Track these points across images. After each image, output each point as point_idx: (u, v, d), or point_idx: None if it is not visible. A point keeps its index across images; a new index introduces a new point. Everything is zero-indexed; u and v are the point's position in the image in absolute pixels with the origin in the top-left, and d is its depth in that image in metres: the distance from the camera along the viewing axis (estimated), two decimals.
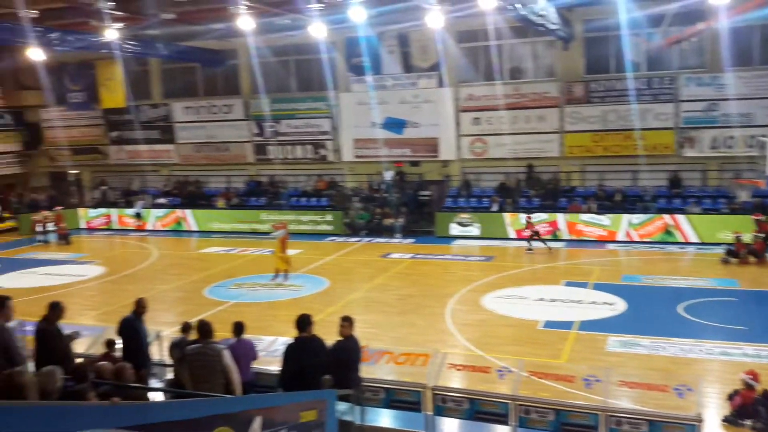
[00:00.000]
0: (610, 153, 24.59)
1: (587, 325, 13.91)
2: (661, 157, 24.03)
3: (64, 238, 26.48)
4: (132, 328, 8.82)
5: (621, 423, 7.39)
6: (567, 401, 8.26)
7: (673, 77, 23.52)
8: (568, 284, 17.47)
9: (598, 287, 16.91)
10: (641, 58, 23.92)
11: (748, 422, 8.91)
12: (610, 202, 23.93)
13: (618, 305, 15.32)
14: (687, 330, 13.39)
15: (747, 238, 19.67)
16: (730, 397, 9.26)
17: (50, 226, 27.02)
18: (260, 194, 29.00)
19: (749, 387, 9.13)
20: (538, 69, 25.72)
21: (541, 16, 19.23)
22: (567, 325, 13.97)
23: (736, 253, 19.39)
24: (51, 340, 7.93)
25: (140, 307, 8.99)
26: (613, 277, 18.03)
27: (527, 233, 22.24)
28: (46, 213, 27.33)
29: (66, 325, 8.40)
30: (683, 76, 23.41)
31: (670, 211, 22.80)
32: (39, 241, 26.59)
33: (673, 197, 23.61)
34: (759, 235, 19.81)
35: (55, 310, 8.13)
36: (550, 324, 14.14)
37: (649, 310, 14.94)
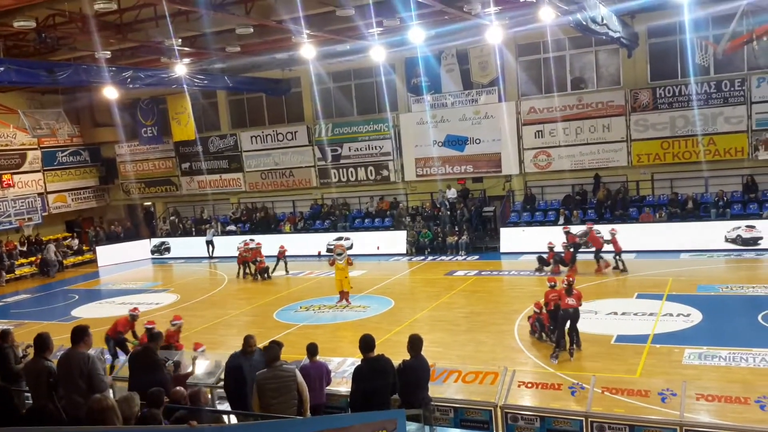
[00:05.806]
0: (680, 160, 23.90)
1: (662, 338, 13.51)
2: (734, 162, 23.22)
3: (265, 272, 24.06)
4: (236, 367, 8.54)
5: None
6: (642, 417, 8.02)
7: (743, 79, 22.72)
8: (641, 296, 16.99)
9: (672, 298, 16.37)
10: (709, 61, 23.18)
11: (536, 335, 13.84)
12: (681, 210, 23.19)
13: (694, 316, 14.80)
14: None
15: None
16: (529, 318, 14.14)
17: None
18: (324, 217, 29.41)
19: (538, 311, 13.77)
20: (602, 78, 25.34)
21: (602, 24, 18.89)
22: (641, 338, 13.59)
23: (547, 261, 20.50)
24: (150, 366, 8.28)
25: (247, 345, 8.61)
26: (688, 288, 17.42)
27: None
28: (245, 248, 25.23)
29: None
30: (755, 77, 22.60)
31: (746, 216, 21.93)
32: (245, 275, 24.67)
33: (749, 202, 22.72)
34: (567, 245, 20.32)
35: (155, 338, 8.70)
36: (623, 338, 13.79)
37: (728, 320, 14.40)
